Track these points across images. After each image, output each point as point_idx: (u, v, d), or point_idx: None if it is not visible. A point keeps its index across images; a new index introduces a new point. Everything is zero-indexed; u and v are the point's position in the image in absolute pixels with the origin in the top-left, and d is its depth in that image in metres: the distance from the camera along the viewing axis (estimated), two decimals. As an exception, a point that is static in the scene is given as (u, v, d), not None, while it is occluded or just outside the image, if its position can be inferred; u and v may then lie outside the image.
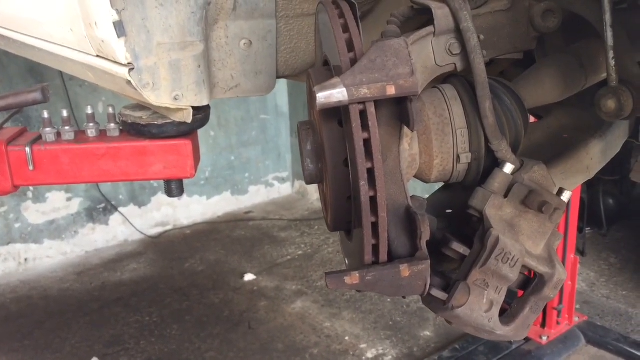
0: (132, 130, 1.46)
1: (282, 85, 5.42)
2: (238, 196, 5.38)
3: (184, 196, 5.01)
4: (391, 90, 0.97)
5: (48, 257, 4.41)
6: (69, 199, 4.45)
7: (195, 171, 1.46)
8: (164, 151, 1.44)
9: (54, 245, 4.43)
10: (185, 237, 4.90)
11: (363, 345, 3.45)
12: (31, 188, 4.25)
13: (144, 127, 1.44)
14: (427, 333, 3.55)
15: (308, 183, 1.21)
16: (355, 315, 3.73)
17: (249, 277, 4.21)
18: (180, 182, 1.49)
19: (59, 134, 1.52)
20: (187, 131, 1.44)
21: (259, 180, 5.51)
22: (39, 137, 1.52)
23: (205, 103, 1.35)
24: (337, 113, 1.06)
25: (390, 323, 3.65)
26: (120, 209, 4.71)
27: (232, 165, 5.30)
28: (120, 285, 4.15)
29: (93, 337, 3.55)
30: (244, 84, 1.43)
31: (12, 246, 4.27)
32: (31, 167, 1.47)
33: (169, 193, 1.51)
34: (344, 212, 1.12)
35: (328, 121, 1.08)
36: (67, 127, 1.51)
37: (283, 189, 5.69)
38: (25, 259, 4.33)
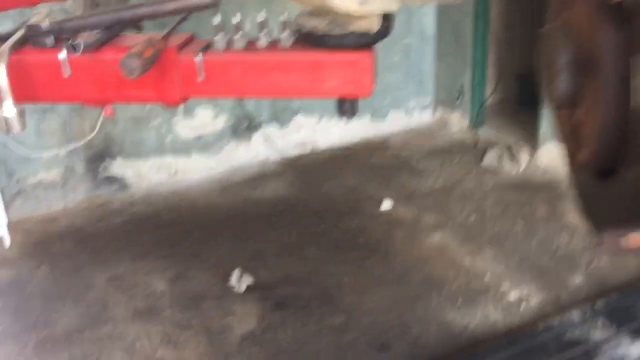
0: (307, 40, 1.33)
1: (429, 7, 5.05)
2: (377, 122, 5.22)
3: (323, 119, 4.95)
4: None
5: (195, 170, 4.62)
6: (215, 116, 4.57)
7: (373, 89, 1.32)
8: (341, 65, 1.29)
9: (201, 159, 4.62)
10: (323, 161, 4.89)
11: (505, 286, 3.27)
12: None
13: (319, 37, 1.30)
14: (577, 280, 3.28)
15: (558, 107, 0.96)
16: (498, 254, 3.53)
17: (386, 205, 4.12)
18: (354, 101, 1.36)
19: (229, 43, 1.43)
20: (367, 43, 1.28)
21: (399, 107, 5.29)
22: (209, 46, 1.44)
23: (395, 8, 1.18)
24: (617, 12, 0.80)
25: (536, 265, 3.41)
26: (262, 128, 4.77)
27: (372, 90, 5.13)
28: (260, 203, 4.25)
29: (236, 250, 3.68)
30: None
31: (164, 158, 4.50)
32: (201, 77, 1.40)
33: (342, 113, 1.38)
34: (614, 147, 0.88)
35: (605, 22, 0.81)
36: (237, 36, 1.41)
37: (424, 117, 5.44)
38: (175, 171, 4.56)
